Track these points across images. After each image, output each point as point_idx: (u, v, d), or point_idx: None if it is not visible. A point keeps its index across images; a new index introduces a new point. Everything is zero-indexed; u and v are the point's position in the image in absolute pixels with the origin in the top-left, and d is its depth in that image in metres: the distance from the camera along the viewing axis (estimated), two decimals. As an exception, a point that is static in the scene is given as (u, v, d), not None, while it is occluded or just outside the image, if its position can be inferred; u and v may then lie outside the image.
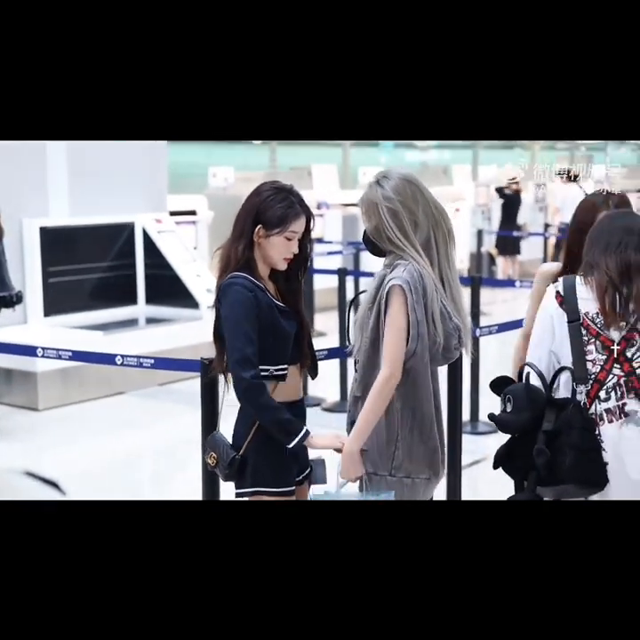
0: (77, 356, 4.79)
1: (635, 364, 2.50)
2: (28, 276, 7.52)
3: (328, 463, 2.93)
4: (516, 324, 4.74)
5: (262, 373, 2.81)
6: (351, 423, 2.84)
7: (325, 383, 6.50)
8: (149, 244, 8.28)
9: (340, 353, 4.61)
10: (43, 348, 4.81)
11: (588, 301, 2.57)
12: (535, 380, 2.58)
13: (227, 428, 2.96)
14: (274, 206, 2.83)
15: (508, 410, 2.59)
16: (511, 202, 13.07)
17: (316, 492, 2.86)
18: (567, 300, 2.59)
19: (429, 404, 2.79)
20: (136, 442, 6.40)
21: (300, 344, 2.93)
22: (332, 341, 6.99)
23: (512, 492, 2.64)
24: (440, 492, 3.36)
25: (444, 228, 2.84)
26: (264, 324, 2.80)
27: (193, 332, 7.49)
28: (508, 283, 9.53)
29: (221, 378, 3.02)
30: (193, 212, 10.04)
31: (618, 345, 2.52)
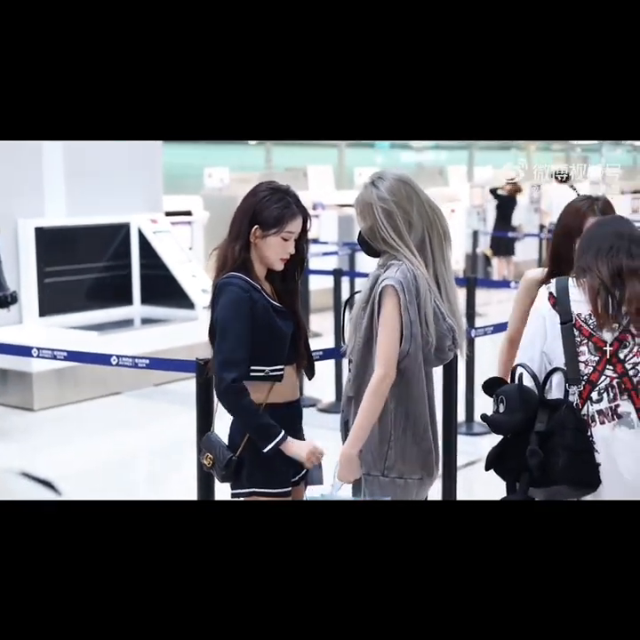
0: (73, 356, 4.79)
1: (627, 366, 2.51)
2: (24, 276, 7.51)
3: (325, 465, 2.93)
4: (511, 326, 4.73)
5: (258, 374, 2.81)
6: (345, 423, 2.84)
7: (321, 384, 6.49)
8: (145, 244, 8.27)
9: (335, 354, 4.62)
10: (38, 349, 4.81)
11: (580, 303, 2.57)
12: (528, 381, 2.58)
13: (222, 428, 2.96)
14: (270, 207, 2.83)
15: (501, 410, 2.59)
16: (505, 203, 13.07)
17: (311, 493, 2.86)
18: (560, 302, 2.59)
19: (423, 405, 2.79)
20: (131, 442, 6.40)
21: (297, 344, 2.93)
22: (328, 342, 6.99)
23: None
24: (435, 493, 3.36)
25: (440, 228, 2.83)
26: (260, 325, 2.80)
27: (188, 332, 7.48)
28: (504, 284, 9.53)
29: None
30: (188, 213, 10.03)
31: (610, 346, 2.52)
